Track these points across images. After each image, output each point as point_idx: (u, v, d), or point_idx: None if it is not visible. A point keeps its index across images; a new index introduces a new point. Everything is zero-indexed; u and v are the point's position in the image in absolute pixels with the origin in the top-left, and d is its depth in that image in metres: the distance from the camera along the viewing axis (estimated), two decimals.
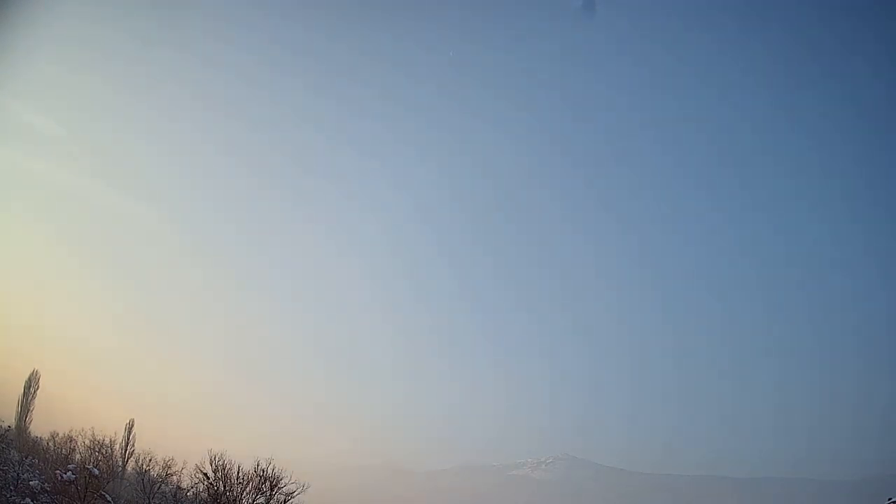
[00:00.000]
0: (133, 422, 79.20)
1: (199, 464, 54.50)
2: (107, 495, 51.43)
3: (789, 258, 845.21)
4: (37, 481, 53.35)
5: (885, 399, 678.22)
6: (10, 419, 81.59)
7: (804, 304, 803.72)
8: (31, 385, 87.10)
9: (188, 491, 56.33)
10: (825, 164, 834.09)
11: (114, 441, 68.80)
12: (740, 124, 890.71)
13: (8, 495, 51.34)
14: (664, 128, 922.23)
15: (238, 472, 54.40)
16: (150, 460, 62.13)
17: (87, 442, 62.03)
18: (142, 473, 60.22)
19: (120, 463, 73.37)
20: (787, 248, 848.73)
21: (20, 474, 54.95)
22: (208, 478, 53.74)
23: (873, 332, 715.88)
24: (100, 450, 61.74)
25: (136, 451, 73.55)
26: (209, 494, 53.59)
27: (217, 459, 54.08)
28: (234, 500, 53.51)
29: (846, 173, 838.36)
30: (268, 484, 54.58)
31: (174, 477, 60.56)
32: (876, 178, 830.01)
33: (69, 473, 49.27)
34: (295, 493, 55.92)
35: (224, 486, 53.43)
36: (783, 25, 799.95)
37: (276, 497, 55.00)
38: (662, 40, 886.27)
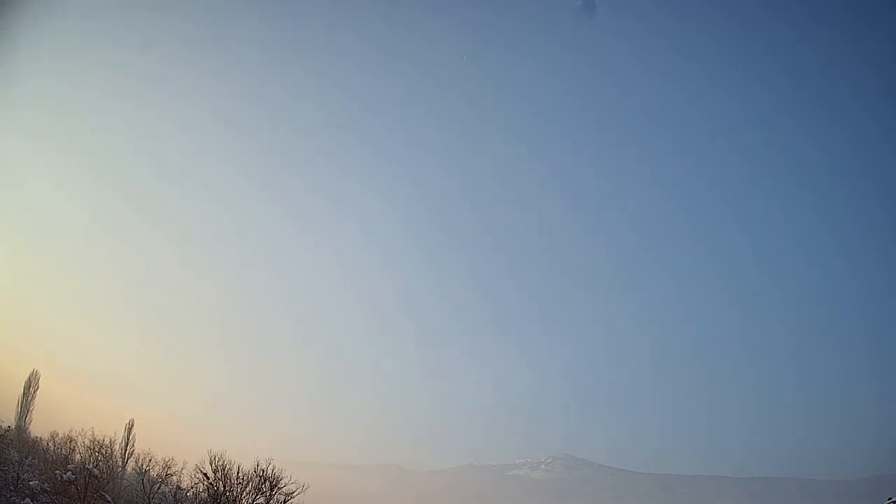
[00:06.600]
0: (133, 422, 78.90)
1: (198, 464, 54.48)
2: (107, 495, 51.42)
3: (782, 258, 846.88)
4: (36, 481, 53.20)
5: (883, 399, 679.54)
6: (9, 419, 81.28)
7: (802, 305, 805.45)
8: (31, 385, 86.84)
9: (188, 491, 56.28)
10: (801, 167, 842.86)
11: (114, 441, 68.34)
12: (721, 129, 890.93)
13: (8, 495, 51.31)
14: (642, 134, 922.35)
15: (238, 472, 54.44)
16: (150, 460, 62.01)
17: (86, 442, 61.61)
18: (142, 473, 60.16)
19: (120, 463, 73.11)
20: (778, 248, 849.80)
21: (20, 474, 54.84)
22: (208, 478, 53.70)
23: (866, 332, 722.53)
24: (100, 450, 61.39)
25: (135, 452, 73.40)
26: (209, 494, 53.55)
27: (217, 459, 54.13)
28: (234, 500, 53.51)
29: (820, 175, 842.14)
30: (267, 484, 54.60)
31: (174, 477, 60.44)
32: (854, 178, 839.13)
33: (69, 474, 49.23)
34: (295, 494, 55.96)
35: (224, 486, 53.43)
36: (789, 25, 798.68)
37: (275, 497, 55.01)
38: (662, 40, 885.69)
